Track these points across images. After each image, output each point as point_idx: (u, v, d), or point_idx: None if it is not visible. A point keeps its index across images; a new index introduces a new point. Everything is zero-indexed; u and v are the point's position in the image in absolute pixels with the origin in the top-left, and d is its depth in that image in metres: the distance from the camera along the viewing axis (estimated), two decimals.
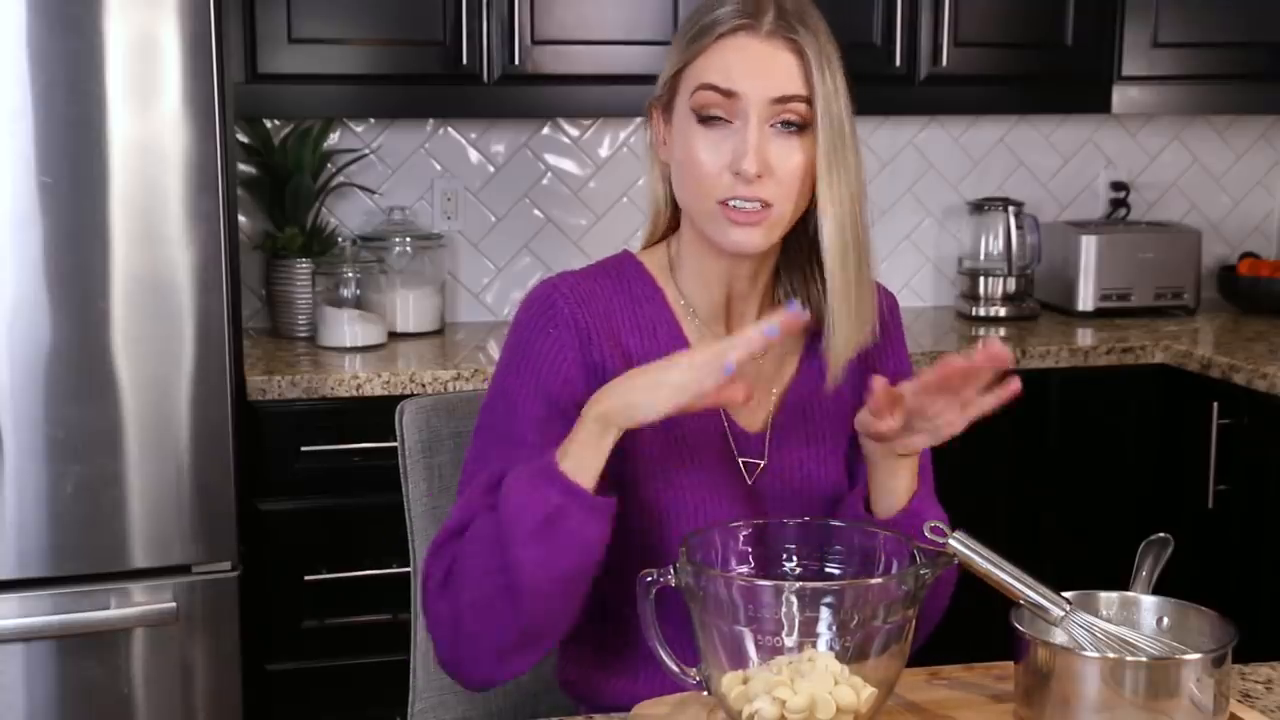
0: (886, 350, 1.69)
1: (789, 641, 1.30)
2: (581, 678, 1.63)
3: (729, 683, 1.32)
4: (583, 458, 1.45)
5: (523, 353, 1.57)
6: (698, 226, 1.57)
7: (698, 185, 1.54)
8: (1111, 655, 1.37)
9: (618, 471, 1.54)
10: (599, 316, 1.58)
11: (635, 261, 1.65)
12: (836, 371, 1.59)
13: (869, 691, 1.31)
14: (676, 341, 1.61)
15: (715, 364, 1.40)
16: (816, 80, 1.52)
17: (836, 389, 1.63)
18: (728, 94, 1.52)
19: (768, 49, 1.52)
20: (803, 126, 1.53)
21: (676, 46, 1.58)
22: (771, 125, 1.52)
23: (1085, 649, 1.39)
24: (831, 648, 1.30)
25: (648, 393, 1.43)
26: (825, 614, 1.31)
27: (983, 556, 1.41)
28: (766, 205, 1.52)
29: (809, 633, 1.30)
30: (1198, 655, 1.35)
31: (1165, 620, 1.46)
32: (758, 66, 1.52)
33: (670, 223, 1.66)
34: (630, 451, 1.55)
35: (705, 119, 1.53)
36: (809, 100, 1.52)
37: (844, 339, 1.58)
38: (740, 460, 1.61)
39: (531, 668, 1.54)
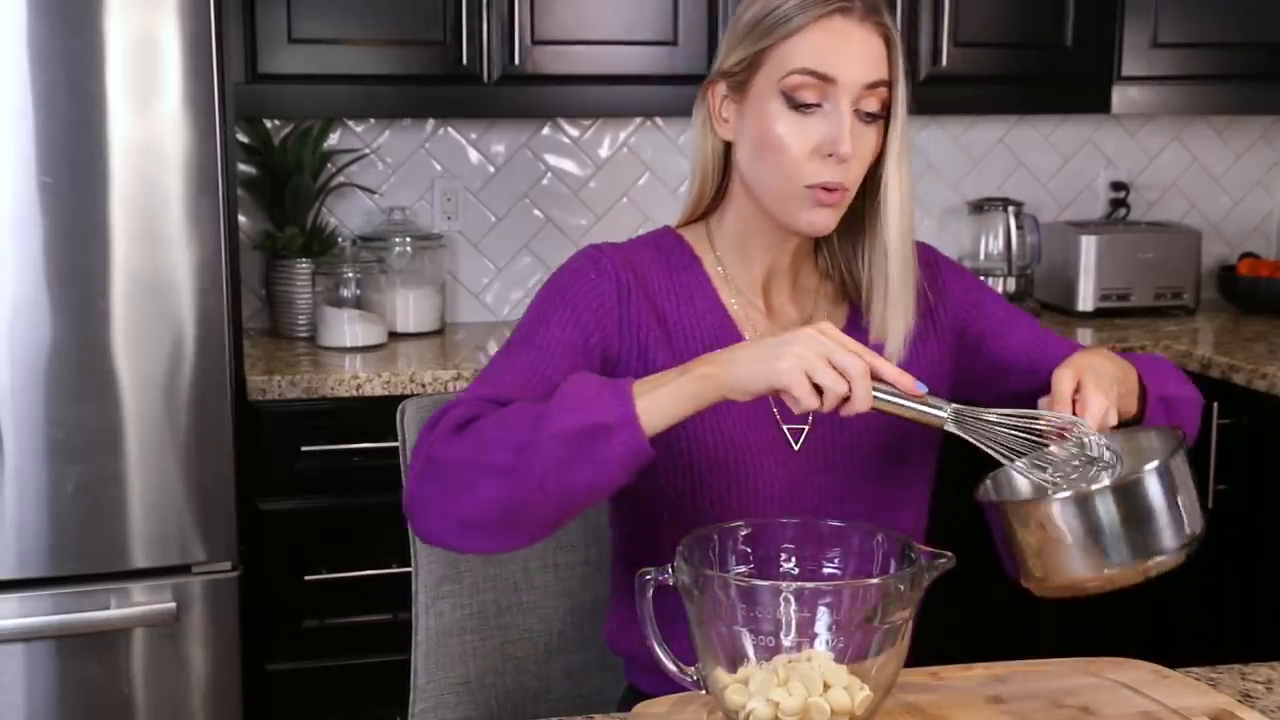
0: (943, 298, 1.72)
1: (786, 641, 1.30)
2: (625, 637, 1.65)
3: (726, 681, 1.32)
4: (662, 405, 1.39)
5: (563, 292, 1.59)
6: (766, 206, 1.60)
7: (783, 169, 1.56)
8: (1083, 487, 1.37)
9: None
10: (638, 280, 1.61)
11: (674, 234, 1.69)
12: (896, 347, 1.61)
13: (864, 694, 1.31)
14: (714, 308, 1.64)
15: (828, 362, 1.36)
16: (896, 66, 1.57)
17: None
18: (824, 78, 1.54)
19: (862, 33, 1.55)
20: (876, 115, 1.57)
21: (748, 28, 1.58)
22: (855, 111, 1.55)
23: (1055, 492, 1.39)
24: (829, 648, 1.30)
25: (753, 365, 1.38)
26: (823, 614, 1.31)
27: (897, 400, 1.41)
28: (844, 189, 1.56)
29: (806, 633, 1.30)
30: (1155, 463, 1.36)
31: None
32: (854, 51, 1.55)
33: (713, 199, 1.68)
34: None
35: (797, 104, 1.55)
36: (890, 85, 1.57)
37: (901, 314, 1.61)
38: (785, 427, 1.62)
39: (481, 554, 1.62)
